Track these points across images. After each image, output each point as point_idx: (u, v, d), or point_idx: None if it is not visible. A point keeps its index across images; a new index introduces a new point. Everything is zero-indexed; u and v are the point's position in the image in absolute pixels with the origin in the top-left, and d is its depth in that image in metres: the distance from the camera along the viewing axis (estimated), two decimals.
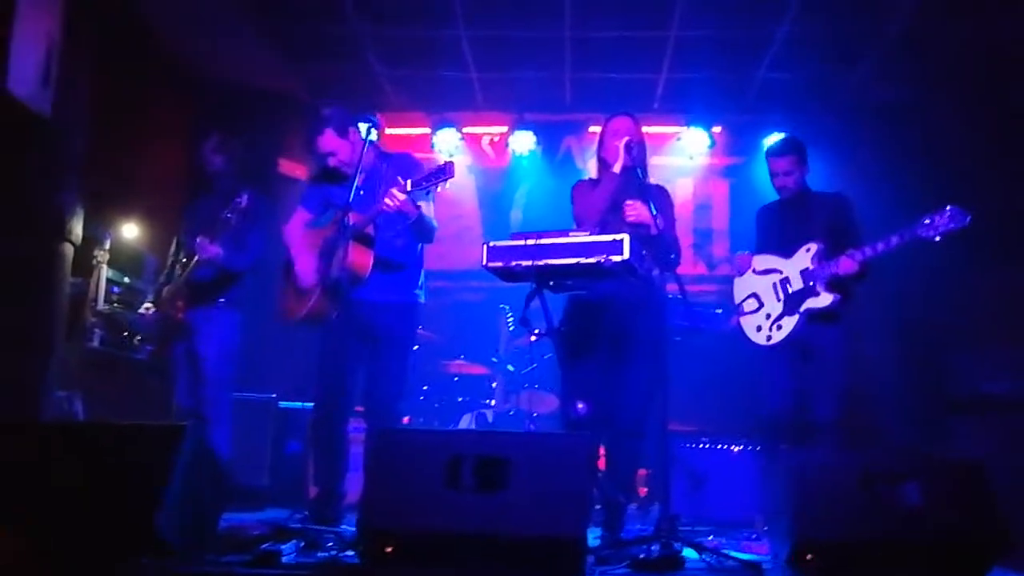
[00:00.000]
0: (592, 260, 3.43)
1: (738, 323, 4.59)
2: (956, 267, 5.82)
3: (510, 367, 6.31)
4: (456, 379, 6.52)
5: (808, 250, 4.38)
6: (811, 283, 4.34)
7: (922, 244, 4.09)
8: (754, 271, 4.56)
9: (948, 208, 4.04)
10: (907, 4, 5.63)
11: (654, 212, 3.74)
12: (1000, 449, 5.08)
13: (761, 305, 4.50)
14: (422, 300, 4.14)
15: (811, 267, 4.35)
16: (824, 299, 4.30)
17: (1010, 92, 6.10)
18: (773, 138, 6.90)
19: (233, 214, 4.42)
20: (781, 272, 4.47)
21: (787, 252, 4.47)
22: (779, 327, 4.41)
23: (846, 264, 4.21)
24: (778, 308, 4.43)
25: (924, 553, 2.99)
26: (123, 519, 2.86)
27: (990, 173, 6.18)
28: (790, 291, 4.41)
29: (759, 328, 4.49)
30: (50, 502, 2.87)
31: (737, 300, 4.62)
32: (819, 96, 6.76)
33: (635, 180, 3.89)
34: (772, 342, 4.42)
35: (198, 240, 4.44)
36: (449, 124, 7.37)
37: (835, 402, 4.27)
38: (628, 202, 3.88)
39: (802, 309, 4.35)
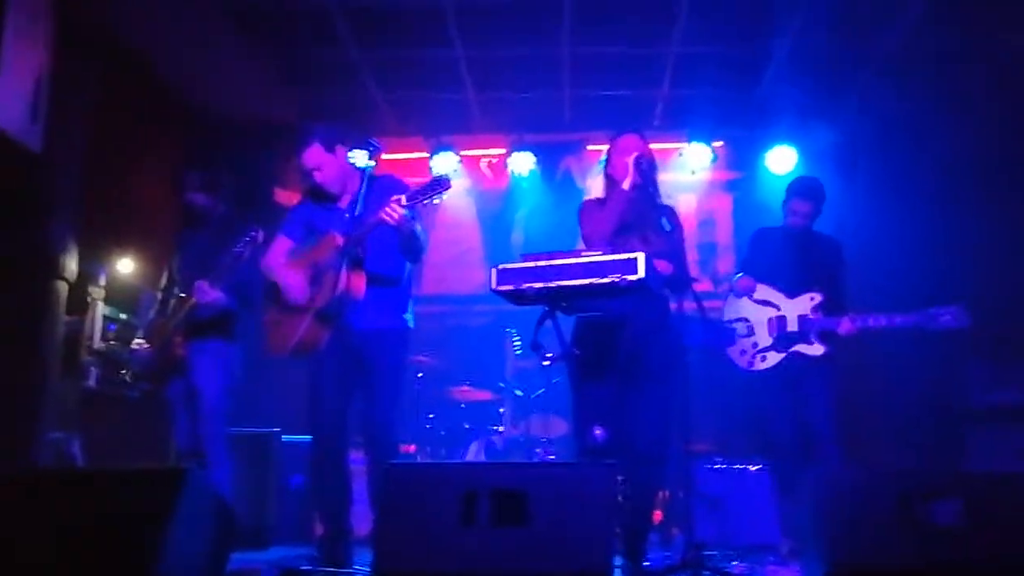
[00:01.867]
0: (606, 280, 3.27)
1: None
2: (969, 277, 5.72)
3: (518, 392, 6.17)
4: (462, 406, 6.37)
5: (812, 299, 4.48)
6: (806, 331, 4.43)
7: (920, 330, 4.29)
8: (751, 297, 4.60)
9: (954, 307, 4.23)
10: (906, 19, 5.55)
11: (667, 229, 3.64)
12: (1015, 460, 4.99)
13: (751, 333, 4.56)
14: (411, 325, 3.99)
15: (811, 316, 4.45)
16: (816, 349, 4.43)
17: (1011, 102, 6.04)
18: (779, 154, 6.89)
19: (245, 249, 4.18)
20: (779, 309, 4.54)
21: (790, 292, 4.54)
22: (763, 358, 4.52)
23: (846, 326, 4.35)
24: (767, 341, 4.52)
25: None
26: (125, 569, 2.69)
27: (994, 183, 6.11)
28: (785, 331, 4.48)
29: (743, 352, 4.58)
30: (45, 553, 2.70)
31: (726, 319, 4.68)
32: (820, 110, 6.66)
33: (646, 198, 3.77)
34: (752, 369, 4.53)
35: (197, 284, 4.22)
36: (447, 148, 7.20)
37: (830, 417, 4.36)
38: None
39: (791, 350, 4.44)
